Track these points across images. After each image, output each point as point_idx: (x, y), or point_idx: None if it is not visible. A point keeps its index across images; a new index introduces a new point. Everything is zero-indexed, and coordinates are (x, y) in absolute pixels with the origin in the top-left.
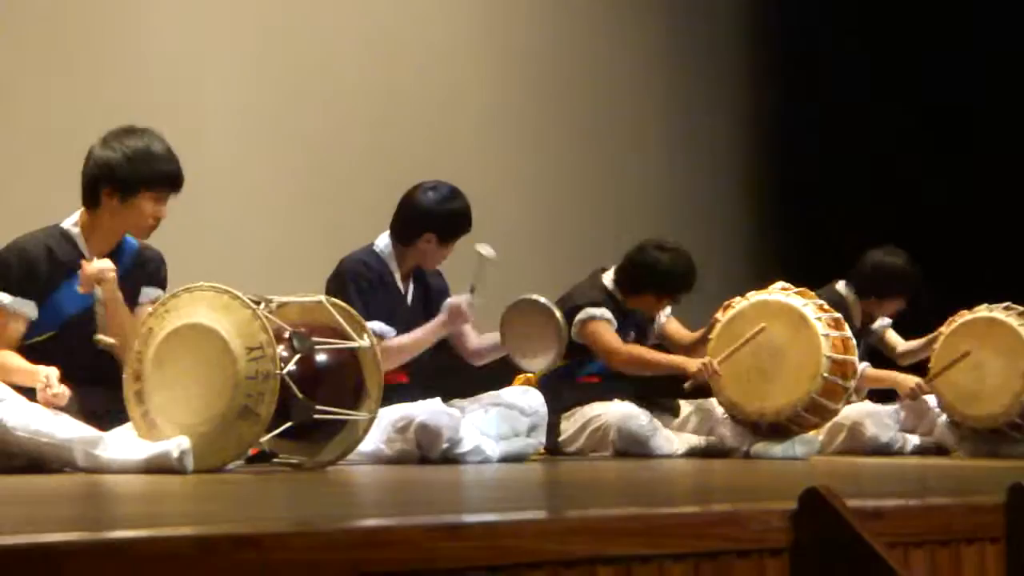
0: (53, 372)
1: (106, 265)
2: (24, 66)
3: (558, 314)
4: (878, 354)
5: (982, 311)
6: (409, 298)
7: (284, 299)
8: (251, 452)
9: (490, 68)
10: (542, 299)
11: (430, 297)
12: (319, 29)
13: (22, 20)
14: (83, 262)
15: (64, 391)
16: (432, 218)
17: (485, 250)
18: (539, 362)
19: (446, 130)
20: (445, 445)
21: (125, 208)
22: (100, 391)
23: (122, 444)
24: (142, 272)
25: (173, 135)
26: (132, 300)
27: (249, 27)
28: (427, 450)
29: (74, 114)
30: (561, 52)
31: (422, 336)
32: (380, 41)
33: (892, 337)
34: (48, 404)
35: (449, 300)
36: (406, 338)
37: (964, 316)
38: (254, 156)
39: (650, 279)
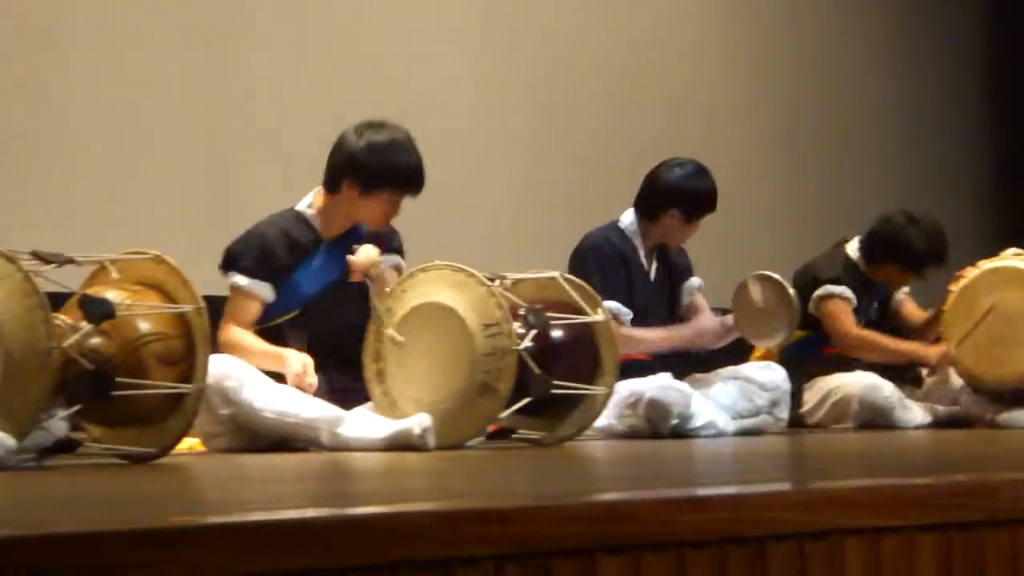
0: (309, 361)
1: (373, 253)
2: (260, 67)
3: (791, 290)
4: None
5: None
6: (652, 275)
7: (519, 276)
8: (491, 428)
9: (742, 62)
10: (774, 275)
11: (673, 275)
12: (562, 16)
13: (263, 22)
14: (350, 258)
15: (315, 381)
16: (677, 194)
17: (754, 288)
18: (773, 339)
19: (692, 115)
20: (675, 421)
21: (364, 200)
22: (340, 370)
23: (364, 423)
24: (378, 243)
25: (418, 125)
26: None
27: (493, 16)
28: (657, 425)
29: (310, 111)
30: (804, 41)
31: (665, 337)
32: (622, 27)
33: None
34: (298, 387)
35: (704, 322)
36: (650, 333)
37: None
38: (497, 138)
39: (895, 251)
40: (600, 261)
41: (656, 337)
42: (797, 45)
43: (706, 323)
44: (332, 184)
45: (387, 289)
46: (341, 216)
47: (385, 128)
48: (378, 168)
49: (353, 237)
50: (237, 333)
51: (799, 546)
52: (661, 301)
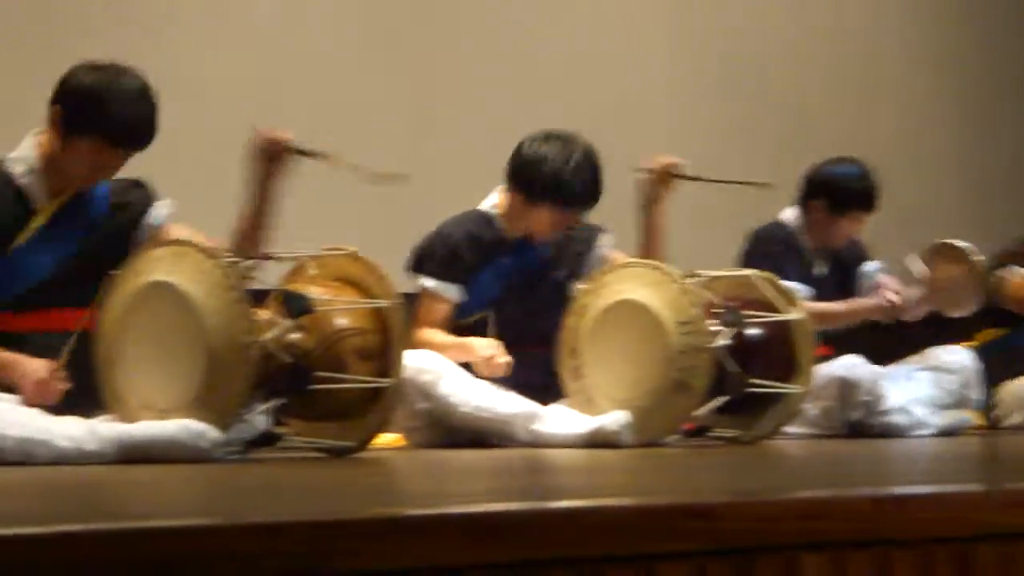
0: (496, 343)
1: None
2: (461, 69)
3: (977, 256)
4: None
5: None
6: (820, 268)
7: (713, 273)
8: (686, 427)
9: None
10: (960, 243)
11: (844, 267)
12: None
13: (459, 25)
14: None
15: (508, 359)
16: (823, 184)
17: (916, 266)
18: (960, 310)
19: (866, 114)
20: (866, 398)
21: (528, 210)
22: (532, 368)
23: (561, 418)
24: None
25: (612, 127)
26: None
27: (685, 18)
28: (847, 405)
29: (497, 116)
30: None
31: (847, 309)
32: (818, 23)
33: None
34: (490, 373)
35: (886, 291)
36: (833, 305)
37: None
38: (687, 138)
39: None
40: (769, 251)
41: (840, 309)
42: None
43: (888, 293)
44: (508, 188)
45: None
46: (520, 219)
47: (558, 141)
48: (544, 183)
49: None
50: (427, 334)
51: (1006, 547)
52: (832, 297)
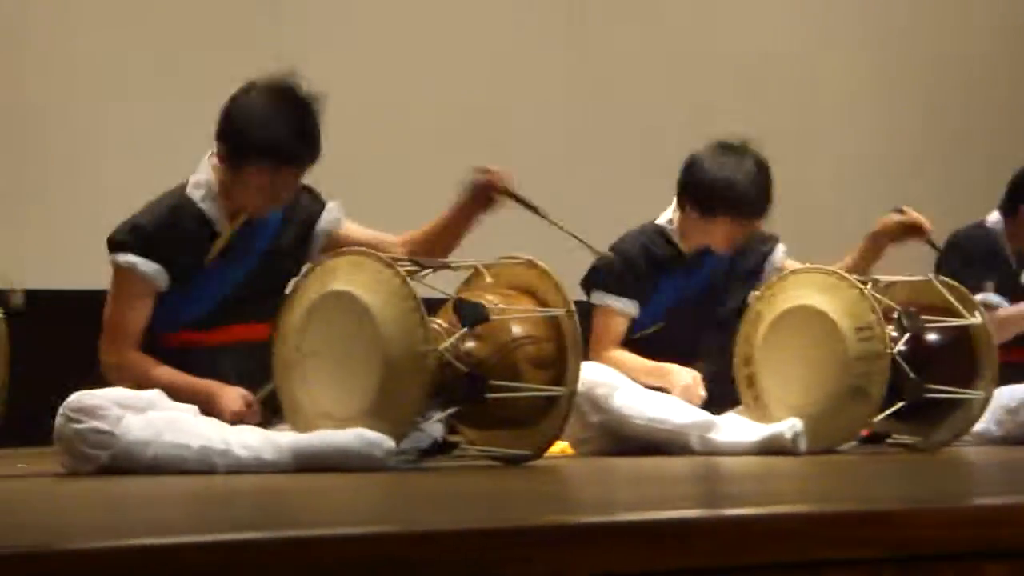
0: (696, 374)
1: None
2: (619, 79)
3: None
4: None
5: None
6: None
7: (891, 278)
8: (863, 433)
9: None
10: None
11: None
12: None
13: (613, 29)
14: None
15: (703, 393)
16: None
17: None
18: None
19: None
20: None
21: (706, 225)
22: (711, 377)
23: (735, 427)
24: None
25: (774, 137)
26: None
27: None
28: None
29: (658, 112)
30: None
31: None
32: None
33: None
34: (687, 400)
35: None
36: (1019, 308)
37: None
38: (857, 139)
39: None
40: (969, 258)
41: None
42: None
43: None
44: (680, 202)
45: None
46: (695, 233)
47: (730, 153)
48: (714, 195)
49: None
50: (618, 354)
51: None
52: None
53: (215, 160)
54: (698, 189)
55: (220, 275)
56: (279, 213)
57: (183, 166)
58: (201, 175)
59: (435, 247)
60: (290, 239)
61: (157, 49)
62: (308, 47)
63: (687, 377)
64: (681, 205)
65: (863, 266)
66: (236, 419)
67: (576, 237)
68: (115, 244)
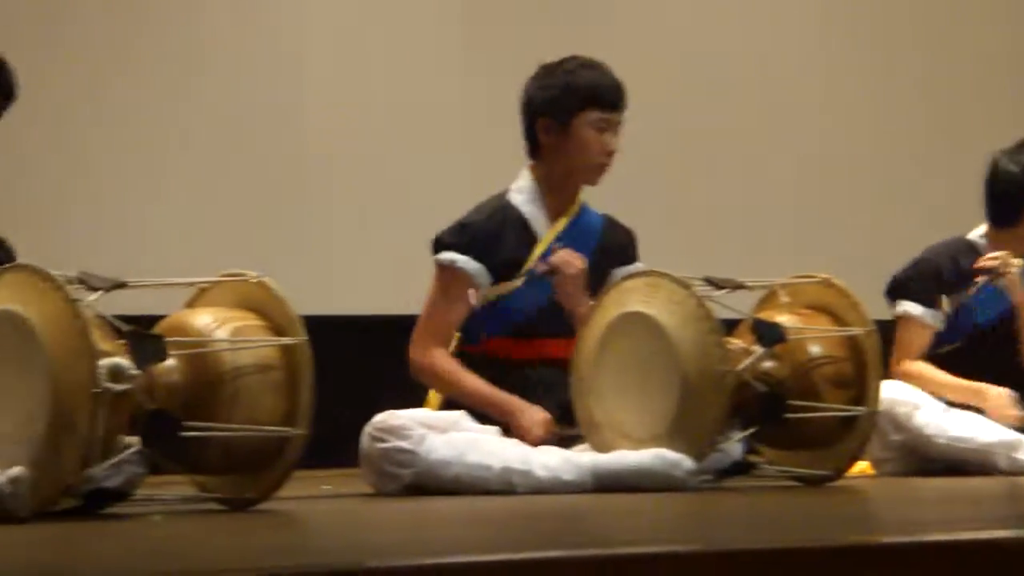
0: (1011, 393)
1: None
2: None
3: None
4: None
5: None
6: None
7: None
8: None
9: None
10: None
11: None
12: None
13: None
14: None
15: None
16: None
17: None
18: None
19: None
20: None
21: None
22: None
23: None
24: None
25: None
26: None
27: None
28: None
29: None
30: None
31: None
32: None
33: None
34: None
35: None
36: None
37: None
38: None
39: None
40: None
41: None
42: None
43: None
44: (991, 215)
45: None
46: (1009, 246)
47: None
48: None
49: None
50: (927, 369)
51: None
52: None
53: (531, 165)
54: (996, 197)
55: (538, 284)
56: (596, 236)
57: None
58: (522, 181)
59: None
60: (599, 266)
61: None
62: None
63: (1002, 397)
64: (991, 217)
65: None
66: (537, 443)
67: None
68: (439, 243)
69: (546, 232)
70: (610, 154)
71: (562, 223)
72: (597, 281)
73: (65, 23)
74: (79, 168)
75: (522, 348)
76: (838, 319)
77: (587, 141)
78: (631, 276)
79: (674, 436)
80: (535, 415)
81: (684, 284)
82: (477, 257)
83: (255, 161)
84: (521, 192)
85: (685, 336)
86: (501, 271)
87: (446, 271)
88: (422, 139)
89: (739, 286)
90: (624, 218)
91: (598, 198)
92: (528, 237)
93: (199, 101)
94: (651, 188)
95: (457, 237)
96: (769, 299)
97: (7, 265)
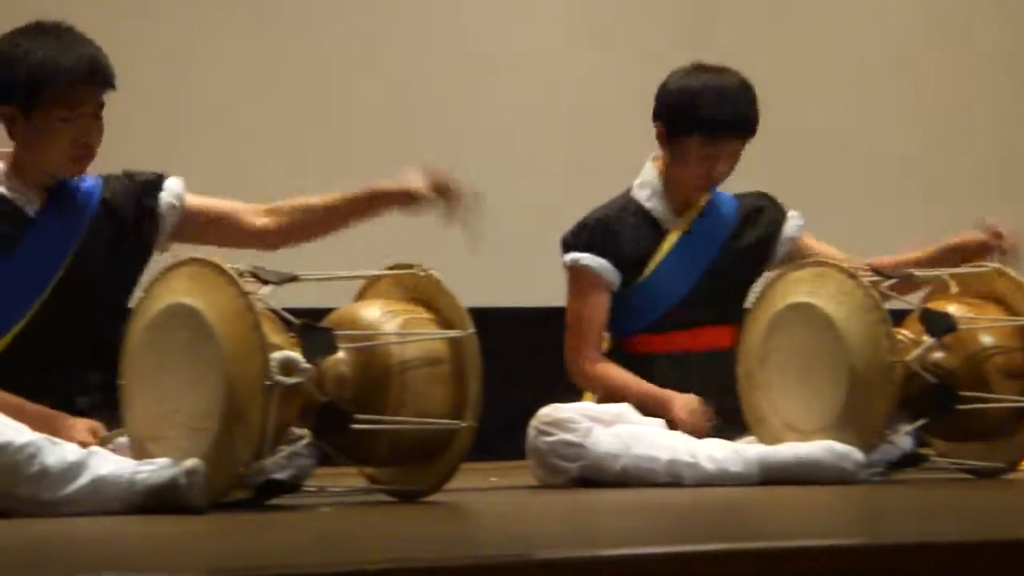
0: None
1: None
2: None
3: None
4: None
5: None
6: None
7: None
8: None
9: None
10: None
11: None
12: None
13: None
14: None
15: None
16: None
17: None
18: None
19: None
20: None
21: None
22: None
23: None
24: None
25: None
26: None
27: None
28: None
29: None
30: None
31: None
32: None
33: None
34: None
35: None
36: None
37: None
38: None
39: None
40: None
41: None
42: None
43: None
44: None
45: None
46: None
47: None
48: None
49: None
50: None
51: None
52: None
53: (658, 162)
54: None
55: (672, 277)
56: (733, 215)
57: None
58: (645, 176)
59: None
60: (745, 243)
61: None
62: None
63: None
64: None
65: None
66: (693, 430)
67: None
68: (565, 245)
69: (672, 226)
70: (711, 181)
71: (691, 215)
72: (752, 264)
73: None
74: (246, 160)
75: (665, 340)
76: (1009, 309)
77: (688, 163)
78: (798, 267)
79: (842, 428)
80: (689, 403)
81: (852, 274)
82: (601, 254)
83: (420, 153)
84: (644, 187)
85: (853, 327)
86: (627, 267)
87: (575, 271)
88: (584, 132)
89: (908, 276)
90: None
91: None
92: (654, 232)
93: (367, 100)
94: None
95: (579, 236)
96: (939, 289)
97: (182, 259)
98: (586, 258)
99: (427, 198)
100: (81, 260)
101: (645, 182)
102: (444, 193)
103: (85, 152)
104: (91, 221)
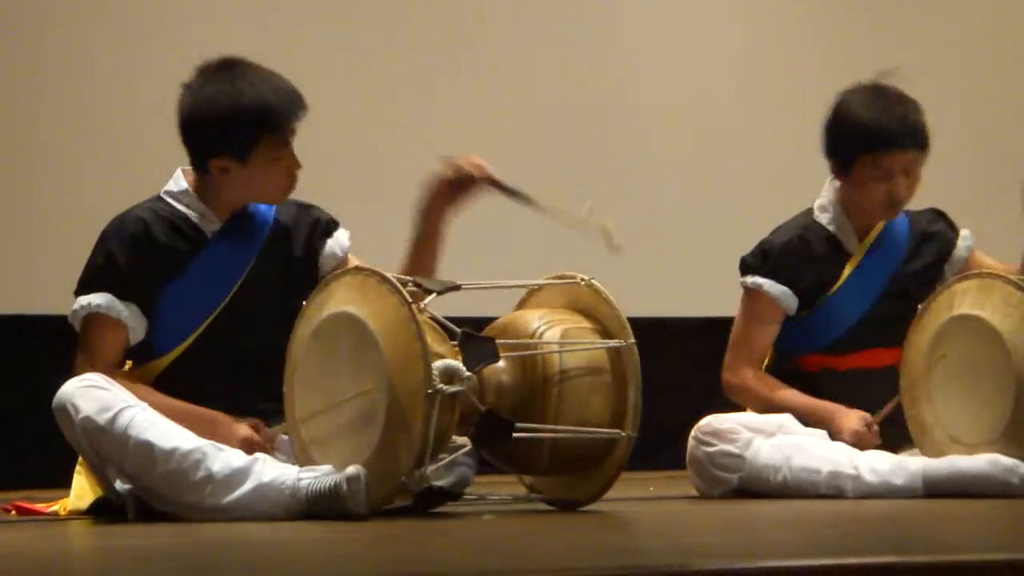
0: None
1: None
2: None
3: None
4: None
5: None
6: None
7: None
8: None
9: None
10: None
11: None
12: None
13: None
14: None
15: None
16: None
17: None
18: None
19: None
20: None
21: None
22: None
23: None
24: None
25: None
26: None
27: None
28: None
29: None
30: None
31: None
32: None
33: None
34: None
35: None
36: None
37: None
38: None
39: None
40: None
41: None
42: None
43: None
44: None
45: None
46: None
47: None
48: None
49: None
50: None
51: None
52: None
53: (836, 183)
54: None
55: (852, 298)
56: (906, 234)
57: None
58: (825, 197)
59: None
60: (922, 264)
61: None
62: None
63: None
64: None
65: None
66: (853, 442)
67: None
68: (745, 266)
69: (854, 251)
70: (892, 201)
71: (873, 235)
72: (923, 287)
73: None
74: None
75: (836, 362)
76: None
77: (865, 185)
78: (963, 278)
79: (1009, 441)
80: (860, 418)
81: (1019, 286)
82: (782, 280)
83: (583, 162)
84: (824, 210)
85: (1020, 339)
86: (808, 295)
87: (752, 295)
88: (746, 140)
89: None
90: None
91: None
92: (838, 258)
93: (529, 114)
94: None
95: (761, 260)
96: None
97: (346, 268)
98: (768, 284)
99: (460, 171)
100: (254, 278)
101: (826, 204)
102: (460, 172)
103: (295, 178)
104: (265, 242)
